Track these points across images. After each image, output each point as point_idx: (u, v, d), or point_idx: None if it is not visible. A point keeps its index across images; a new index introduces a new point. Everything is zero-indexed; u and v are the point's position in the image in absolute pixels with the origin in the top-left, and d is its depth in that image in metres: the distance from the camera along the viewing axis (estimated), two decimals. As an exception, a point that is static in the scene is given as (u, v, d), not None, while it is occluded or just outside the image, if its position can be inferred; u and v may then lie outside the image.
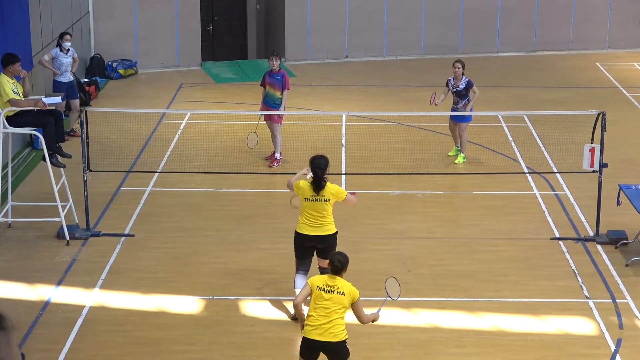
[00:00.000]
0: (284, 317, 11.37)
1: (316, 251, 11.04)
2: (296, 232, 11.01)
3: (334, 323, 8.80)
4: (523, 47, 27.10)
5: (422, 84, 23.11)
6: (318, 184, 10.78)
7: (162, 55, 24.53)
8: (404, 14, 26.24)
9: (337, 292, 8.82)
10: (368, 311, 9.22)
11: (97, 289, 12.08)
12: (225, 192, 15.65)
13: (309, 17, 25.63)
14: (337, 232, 10.98)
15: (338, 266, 8.96)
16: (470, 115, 16.85)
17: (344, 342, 8.96)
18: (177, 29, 24.63)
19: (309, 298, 8.99)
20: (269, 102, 16.55)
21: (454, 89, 16.67)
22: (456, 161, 16.91)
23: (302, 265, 11.12)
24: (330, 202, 10.81)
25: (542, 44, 27.22)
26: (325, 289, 8.83)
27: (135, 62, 23.94)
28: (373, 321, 9.23)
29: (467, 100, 16.65)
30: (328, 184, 10.85)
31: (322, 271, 10.84)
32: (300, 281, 11.01)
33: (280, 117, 16.62)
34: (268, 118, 16.65)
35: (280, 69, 16.50)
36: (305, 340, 8.86)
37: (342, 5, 25.84)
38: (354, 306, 8.95)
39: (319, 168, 10.81)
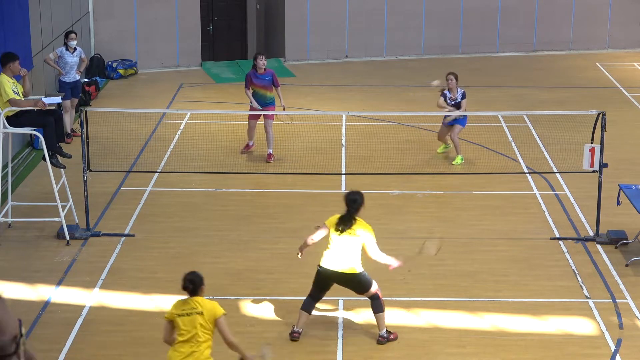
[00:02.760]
0: (283, 317, 11.37)
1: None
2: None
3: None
4: (523, 47, 27.10)
5: (422, 84, 23.10)
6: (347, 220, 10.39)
7: (162, 55, 24.53)
8: (404, 14, 26.24)
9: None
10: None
11: (97, 289, 12.08)
12: (225, 192, 15.65)
13: (309, 17, 25.63)
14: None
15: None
16: (465, 121, 16.93)
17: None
18: (177, 29, 24.63)
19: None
20: (262, 103, 16.57)
21: (452, 102, 16.67)
22: (454, 162, 16.91)
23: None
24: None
25: (542, 44, 27.21)
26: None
27: (135, 62, 23.93)
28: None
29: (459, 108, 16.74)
30: (359, 221, 10.41)
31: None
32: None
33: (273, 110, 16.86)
34: (266, 116, 16.71)
35: (266, 68, 16.57)
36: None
37: (342, 5, 25.84)
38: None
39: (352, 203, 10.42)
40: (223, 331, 8.48)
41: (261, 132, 17.26)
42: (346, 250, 10.32)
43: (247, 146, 17.32)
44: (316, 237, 10.50)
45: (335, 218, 10.42)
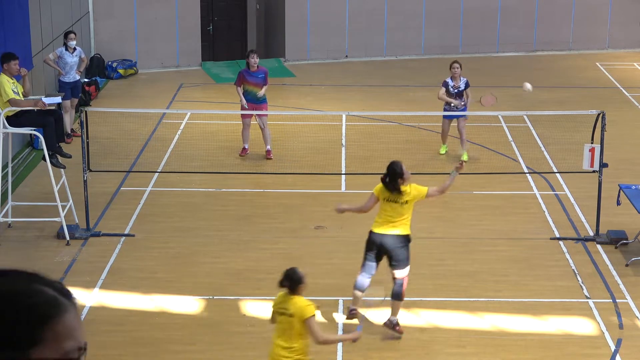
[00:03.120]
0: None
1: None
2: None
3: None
4: (523, 47, 27.10)
5: (422, 84, 23.11)
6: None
7: (162, 55, 24.53)
8: (404, 14, 26.23)
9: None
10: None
11: (97, 289, 12.08)
12: (225, 192, 15.65)
13: (309, 17, 25.63)
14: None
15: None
16: (466, 109, 17.02)
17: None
18: (177, 29, 24.63)
19: None
20: (254, 100, 16.64)
21: (455, 90, 16.72)
22: (463, 158, 16.94)
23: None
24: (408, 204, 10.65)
25: (542, 44, 27.21)
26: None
27: (135, 62, 23.93)
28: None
29: (465, 98, 16.77)
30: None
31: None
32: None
33: (267, 107, 16.99)
34: (259, 115, 16.77)
35: (259, 66, 16.66)
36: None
37: (342, 5, 25.84)
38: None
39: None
40: (311, 332, 8.46)
41: (257, 132, 17.26)
42: (397, 215, 10.61)
43: (244, 150, 17.25)
44: (368, 204, 10.83)
45: (381, 186, 10.75)
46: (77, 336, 2.02)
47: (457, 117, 16.97)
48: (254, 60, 16.59)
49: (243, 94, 16.66)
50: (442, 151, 17.55)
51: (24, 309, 1.96)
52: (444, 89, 16.90)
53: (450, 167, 16.80)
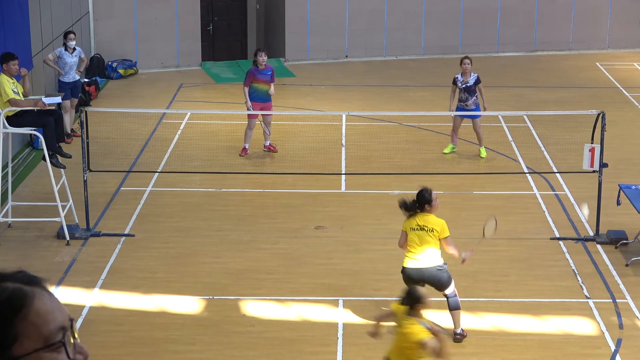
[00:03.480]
0: (284, 317, 11.37)
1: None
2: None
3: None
4: (523, 47, 27.09)
5: (422, 84, 23.11)
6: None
7: (162, 55, 24.53)
8: (404, 14, 26.23)
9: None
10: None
11: (97, 289, 12.08)
12: (225, 192, 15.65)
13: (309, 17, 25.63)
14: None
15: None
16: (479, 108, 16.99)
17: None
18: (177, 29, 24.62)
19: None
20: (263, 98, 16.67)
21: (464, 86, 16.71)
22: (481, 155, 17.06)
23: None
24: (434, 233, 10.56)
25: (542, 44, 27.21)
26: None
27: (135, 62, 23.93)
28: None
29: (476, 96, 16.75)
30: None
31: None
32: None
33: (272, 105, 17.05)
34: (264, 115, 16.83)
35: (266, 64, 16.77)
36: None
37: (342, 5, 25.84)
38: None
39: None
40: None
41: (258, 132, 17.27)
42: (423, 246, 10.50)
43: (244, 150, 17.23)
44: (402, 240, 10.72)
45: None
46: (54, 318, 1.96)
47: (469, 117, 16.92)
48: (263, 58, 16.68)
49: (252, 92, 16.67)
50: (447, 150, 17.43)
51: None
52: (453, 86, 16.91)
53: (451, 169, 16.83)
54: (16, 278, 1.98)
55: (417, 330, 8.49)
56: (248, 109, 16.64)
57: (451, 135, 17.42)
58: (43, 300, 1.95)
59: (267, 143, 17.25)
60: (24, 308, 1.93)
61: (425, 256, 10.49)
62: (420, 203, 10.61)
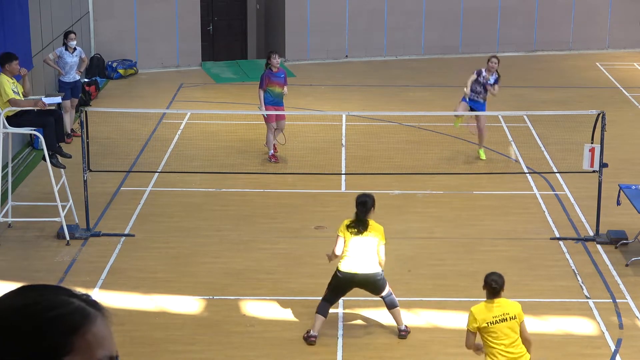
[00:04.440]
0: (284, 317, 11.37)
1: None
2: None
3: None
4: (523, 47, 27.09)
5: (422, 84, 23.11)
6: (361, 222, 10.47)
7: (162, 55, 24.53)
8: (404, 14, 26.23)
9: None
10: None
11: (97, 289, 12.08)
12: (225, 192, 15.65)
13: (309, 17, 25.63)
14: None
15: None
16: (485, 105, 17.06)
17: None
18: (177, 29, 24.62)
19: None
20: (277, 102, 16.61)
21: (484, 81, 16.76)
22: (481, 157, 17.04)
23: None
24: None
25: (542, 44, 27.20)
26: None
27: (135, 62, 23.93)
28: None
29: (486, 92, 16.92)
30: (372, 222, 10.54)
31: None
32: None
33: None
34: (281, 117, 16.78)
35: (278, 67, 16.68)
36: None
37: (342, 5, 25.84)
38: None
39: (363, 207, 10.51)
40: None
41: (261, 131, 17.27)
42: (366, 252, 10.38)
43: (273, 156, 16.83)
44: (338, 248, 10.49)
45: (345, 222, 10.46)
46: (107, 345, 2.04)
47: (478, 107, 16.93)
48: (277, 60, 16.62)
49: (267, 96, 16.52)
50: (482, 157, 17.23)
51: (52, 319, 1.96)
52: (474, 75, 16.96)
53: (451, 169, 16.83)
54: (82, 298, 2.06)
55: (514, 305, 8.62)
56: (263, 113, 16.52)
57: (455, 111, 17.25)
58: (103, 325, 2.03)
59: (271, 152, 17.06)
60: (85, 325, 2.00)
61: (369, 261, 10.41)
62: (366, 209, 10.44)
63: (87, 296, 2.09)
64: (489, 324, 8.62)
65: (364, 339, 10.83)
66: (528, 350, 8.89)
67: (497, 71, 16.97)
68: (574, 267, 12.84)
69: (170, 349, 10.61)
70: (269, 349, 10.63)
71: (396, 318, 10.79)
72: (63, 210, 13.42)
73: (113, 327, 2.09)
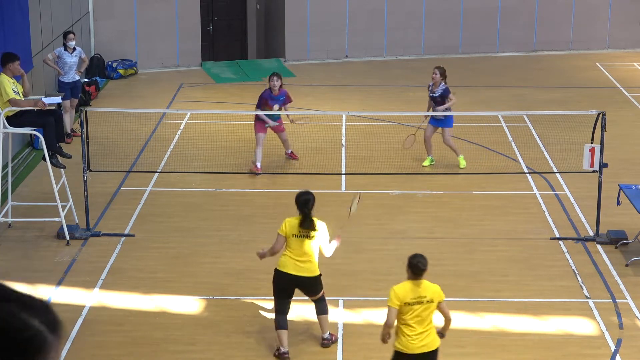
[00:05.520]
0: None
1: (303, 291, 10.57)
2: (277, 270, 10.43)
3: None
4: (523, 47, 27.10)
5: (422, 84, 23.06)
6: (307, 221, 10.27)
7: (162, 55, 24.53)
8: (404, 14, 26.24)
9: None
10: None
11: (97, 289, 12.08)
12: (225, 192, 15.65)
13: (309, 17, 25.63)
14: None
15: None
16: (452, 120, 16.48)
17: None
18: (177, 29, 24.63)
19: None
20: (276, 117, 16.31)
21: (431, 94, 16.39)
22: (460, 166, 16.69)
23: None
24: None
25: (542, 44, 27.21)
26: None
27: (135, 62, 23.94)
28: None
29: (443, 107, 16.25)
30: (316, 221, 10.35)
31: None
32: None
33: (282, 124, 16.57)
34: (278, 130, 16.47)
35: (280, 89, 16.15)
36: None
37: (342, 5, 25.84)
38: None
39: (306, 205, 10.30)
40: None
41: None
42: (308, 253, 10.26)
43: (256, 167, 16.31)
44: (278, 246, 10.38)
45: (292, 222, 10.29)
46: None
47: (438, 124, 16.43)
48: (274, 83, 16.02)
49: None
50: (426, 163, 16.84)
51: (8, 341, 1.92)
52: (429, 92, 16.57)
53: (451, 169, 16.82)
54: (44, 318, 2.01)
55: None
56: (270, 124, 16.32)
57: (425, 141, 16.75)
58: (56, 351, 2.00)
59: (289, 150, 16.98)
60: (40, 354, 1.97)
61: (311, 263, 10.29)
62: (309, 207, 10.28)
63: (50, 313, 2.03)
64: (407, 304, 8.82)
65: (364, 339, 10.83)
66: (445, 329, 9.14)
67: (443, 82, 16.20)
68: (574, 267, 12.84)
69: (170, 349, 10.61)
70: (268, 349, 10.62)
71: (323, 325, 10.61)
72: (63, 210, 13.42)
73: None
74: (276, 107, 16.27)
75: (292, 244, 10.25)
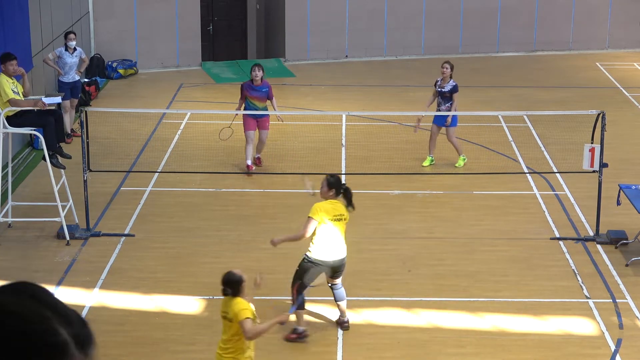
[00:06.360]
0: (284, 317, 11.36)
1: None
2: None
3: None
4: (523, 47, 27.10)
5: (422, 84, 23.09)
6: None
7: (162, 55, 24.53)
8: (404, 14, 26.24)
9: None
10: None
11: (97, 289, 12.08)
12: (225, 192, 15.65)
13: (309, 17, 25.63)
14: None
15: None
16: (456, 119, 16.53)
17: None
18: (177, 29, 24.63)
19: None
20: (257, 114, 16.19)
21: (439, 89, 16.43)
22: (457, 164, 16.73)
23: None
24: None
25: (542, 44, 27.21)
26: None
27: (135, 62, 23.94)
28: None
29: (450, 103, 16.30)
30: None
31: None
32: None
33: (269, 122, 16.42)
34: (262, 127, 16.32)
35: (262, 80, 16.07)
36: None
37: (342, 5, 25.84)
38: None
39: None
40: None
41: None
42: (341, 237, 10.57)
43: (249, 167, 16.32)
44: (308, 232, 10.49)
45: (325, 207, 10.34)
46: None
47: (442, 124, 16.42)
48: (255, 73, 15.89)
49: (246, 108, 16.00)
50: (426, 163, 16.87)
51: (33, 344, 1.84)
52: (433, 89, 16.69)
53: (451, 169, 16.82)
54: (75, 331, 1.92)
55: (244, 307, 8.47)
56: (246, 121, 16.15)
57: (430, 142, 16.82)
58: None
59: (258, 155, 16.80)
60: None
61: (343, 245, 10.61)
62: (340, 188, 10.51)
63: (80, 327, 1.97)
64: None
65: (364, 339, 10.83)
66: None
67: (451, 78, 16.25)
68: (574, 267, 12.84)
69: (170, 349, 10.61)
70: (269, 349, 10.62)
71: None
72: (63, 210, 13.42)
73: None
74: (274, 104, 16.13)
75: (327, 228, 10.33)
